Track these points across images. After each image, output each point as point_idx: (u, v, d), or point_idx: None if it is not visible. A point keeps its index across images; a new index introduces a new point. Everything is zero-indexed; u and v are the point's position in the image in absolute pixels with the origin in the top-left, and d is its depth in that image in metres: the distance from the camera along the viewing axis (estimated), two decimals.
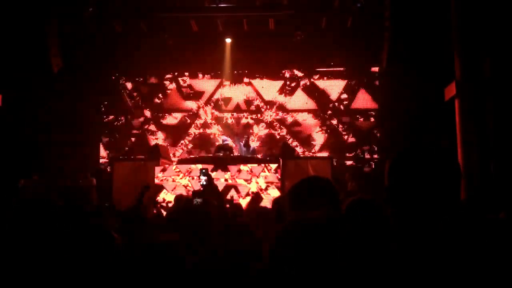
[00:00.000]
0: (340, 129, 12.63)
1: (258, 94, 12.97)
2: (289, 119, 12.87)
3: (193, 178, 8.96)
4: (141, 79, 13.17)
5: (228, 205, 4.88)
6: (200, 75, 13.15)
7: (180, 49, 12.35)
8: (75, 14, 11.19)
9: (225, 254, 2.01)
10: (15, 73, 10.43)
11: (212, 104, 13.05)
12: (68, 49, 11.64)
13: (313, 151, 12.56)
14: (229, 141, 11.12)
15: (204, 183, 3.36)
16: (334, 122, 12.65)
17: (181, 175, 9.17)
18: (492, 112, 8.05)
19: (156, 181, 9.14)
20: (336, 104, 12.68)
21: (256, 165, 9.28)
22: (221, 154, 9.77)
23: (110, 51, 12.31)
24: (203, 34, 12.33)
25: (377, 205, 1.92)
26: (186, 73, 13.12)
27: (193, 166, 9.23)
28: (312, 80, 12.86)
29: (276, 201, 3.66)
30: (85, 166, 11.16)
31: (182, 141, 12.89)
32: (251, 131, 12.72)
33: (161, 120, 13.06)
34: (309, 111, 12.81)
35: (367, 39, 11.66)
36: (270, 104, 12.92)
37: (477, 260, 1.23)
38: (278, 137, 12.75)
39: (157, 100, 13.13)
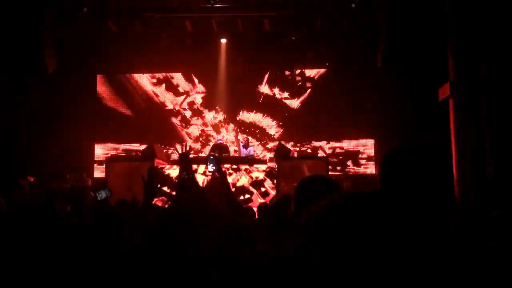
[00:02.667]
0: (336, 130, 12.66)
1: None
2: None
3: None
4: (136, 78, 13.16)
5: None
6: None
7: (175, 49, 12.34)
8: (70, 14, 11.14)
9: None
10: (10, 74, 10.38)
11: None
12: (63, 49, 11.60)
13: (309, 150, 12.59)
14: (223, 140, 11.15)
15: (212, 169, 3.15)
16: (330, 122, 12.68)
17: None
18: (486, 112, 8.10)
19: None
20: (332, 104, 12.70)
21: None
22: (216, 155, 9.78)
23: (105, 51, 12.27)
24: (198, 34, 12.32)
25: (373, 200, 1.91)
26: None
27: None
28: (307, 80, 12.88)
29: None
30: (80, 166, 11.12)
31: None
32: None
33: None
34: (305, 109, 12.86)
35: (362, 39, 11.69)
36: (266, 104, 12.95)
37: (474, 258, 1.24)
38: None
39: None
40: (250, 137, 12.32)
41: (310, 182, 1.82)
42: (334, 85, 12.51)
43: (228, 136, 12.59)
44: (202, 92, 13.13)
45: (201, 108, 13.08)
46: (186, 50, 12.40)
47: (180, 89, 13.17)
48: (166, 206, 8.34)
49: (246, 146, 10.58)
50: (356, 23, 11.51)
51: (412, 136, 10.38)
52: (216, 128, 12.94)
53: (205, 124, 13.03)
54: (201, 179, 8.91)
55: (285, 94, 12.93)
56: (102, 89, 13.04)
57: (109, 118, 12.89)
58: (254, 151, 11.12)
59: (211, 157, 3.58)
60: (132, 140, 12.84)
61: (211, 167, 3.40)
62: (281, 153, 9.84)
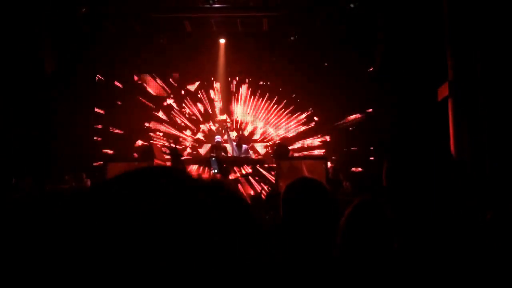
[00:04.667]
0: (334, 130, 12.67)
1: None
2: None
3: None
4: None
5: None
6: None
7: (174, 49, 12.33)
8: (69, 15, 11.11)
9: None
10: (8, 74, 10.36)
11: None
12: (62, 50, 11.58)
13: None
14: (220, 139, 11.12)
15: (215, 171, 3.06)
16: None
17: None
18: (485, 111, 8.09)
19: None
20: (330, 104, 12.70)
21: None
22: (215, 155, 9.74)
23: (104, 52, 12.26)
24: (197, 34, 12.32)
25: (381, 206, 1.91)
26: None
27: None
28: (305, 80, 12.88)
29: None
30: (79, 167, 11.08)
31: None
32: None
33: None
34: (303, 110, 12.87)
35: (361, 39, 11.68)
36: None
37: (478, 259, 1.24)
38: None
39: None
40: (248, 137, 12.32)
41: (297, 186, 1.80)
42: (332, 84, 12.50)
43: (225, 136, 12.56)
44: (199, 88, 13.14)
45: (200, 108, 13.07)
46: (185, 50, 12.39)
47: (179, 89, 13.17)
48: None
49: (239, 145, 10.51)
50: (354, 23, 11.50)
51: (411, 136, 10.35)
52: (214, 129, 12.94)
53: (202, 123, 13.03)
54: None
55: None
56: (101, 90, 13.04)
57: (108, 117, 12.89)
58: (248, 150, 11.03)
59: (213, 159, 3.56)
60: (130, 140, 12.84)
61: (213, 169, 3.38)
62: (280, 153, 9.82)
